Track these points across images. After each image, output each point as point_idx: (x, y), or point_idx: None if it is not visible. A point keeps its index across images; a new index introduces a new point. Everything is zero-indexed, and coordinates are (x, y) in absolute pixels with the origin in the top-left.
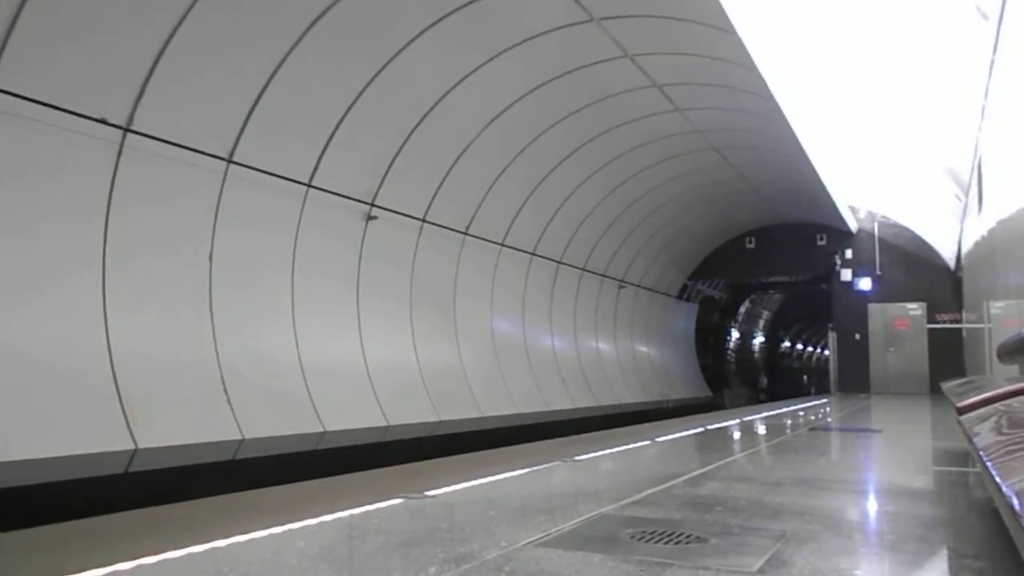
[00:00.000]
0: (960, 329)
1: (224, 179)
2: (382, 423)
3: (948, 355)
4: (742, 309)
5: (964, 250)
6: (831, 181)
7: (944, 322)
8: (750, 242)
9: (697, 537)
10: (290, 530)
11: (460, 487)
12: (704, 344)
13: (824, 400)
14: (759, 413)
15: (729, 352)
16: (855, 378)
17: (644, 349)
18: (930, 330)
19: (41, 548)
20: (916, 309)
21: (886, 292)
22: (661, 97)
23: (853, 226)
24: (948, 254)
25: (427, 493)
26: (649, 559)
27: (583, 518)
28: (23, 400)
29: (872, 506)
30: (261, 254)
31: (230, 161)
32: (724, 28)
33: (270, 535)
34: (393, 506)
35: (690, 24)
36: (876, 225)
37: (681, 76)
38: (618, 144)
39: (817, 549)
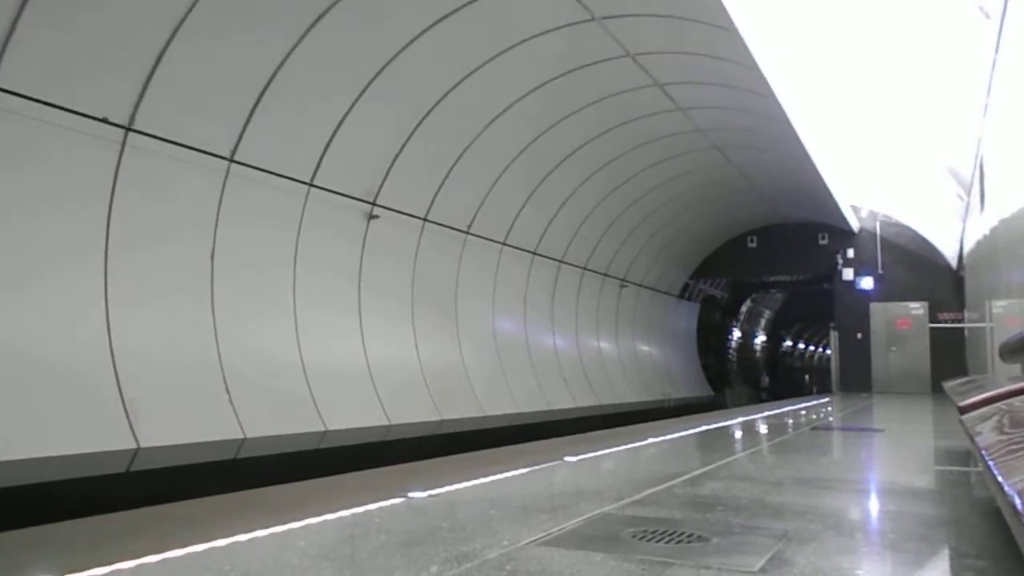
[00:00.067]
0: (962, 328)
1: (226, 178)
2: (384, 422)
3: (950, 354)
4: (744, 308)
5: (966, 249)
6: (833, 180)
7: (946, 321)
8: (752, 241)
9: (699, 536)
10: (291, 529)
11: (462, 486)
12: (706, 343)
13: (826, 399)
14: (760, 412)
15: (731, 351)
16: (857, 377)
17: (646, 348)
18: (932, 329)
19: (42, 548)
20: (918, 308)
21: (888, 291)
22: (663, 96)
23: (855, 225)
24: (950, 253)
25: (429, 492)
26: (651, 558)
27: (585, 517)
28: (24, 399)
29: (874, 505)
30: (263, 254)
31: (232, 160)
32: (726, 27)
33: (272, 534)
34: (394, 505)
35: (692, 23)
36: (878, 224)
37: (683, 75)
38: (620, 143)
39: (819, 548)
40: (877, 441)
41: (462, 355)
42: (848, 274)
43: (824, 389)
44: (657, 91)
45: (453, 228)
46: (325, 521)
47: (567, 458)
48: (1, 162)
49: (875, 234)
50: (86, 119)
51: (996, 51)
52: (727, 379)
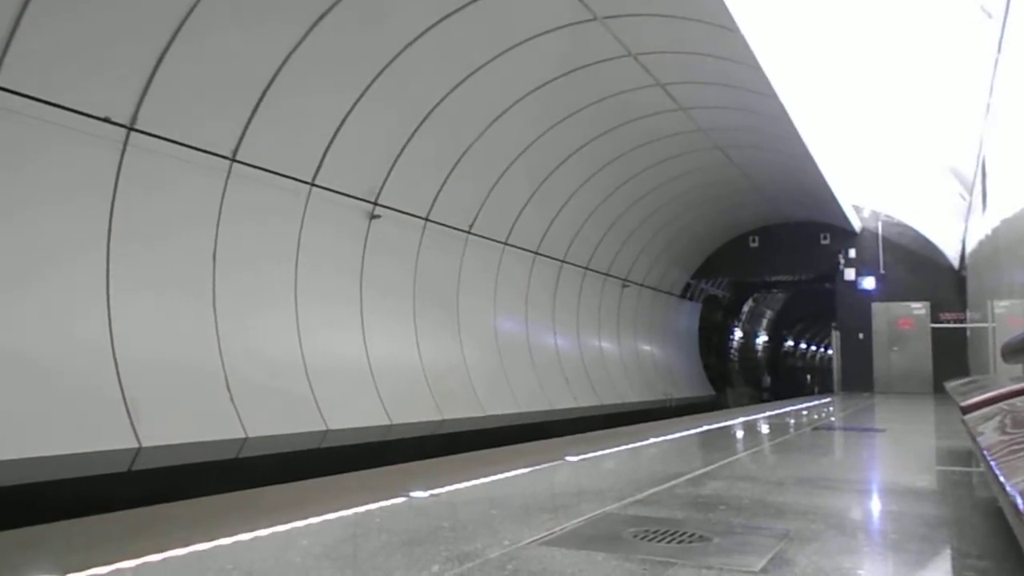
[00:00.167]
0: (964, 328)
1: (227, 178)
2: (385, 422)
3: (952, 354)
4: (745, 308)
5: (968, 249)
6: (835, 180)
7: (948, 321)
8: (753, 241)
9: (700, 536)
10: (294, 528)
11: (463, 486)
12: (707, 343)
13: (827, 399)
14: (762, 412)
15: (732, 351)
16: (859, 377)
17: (647, 348)
18: (934, 329)
19: (43, 547)
20: (920, 308)
21: (890, 291)
22: (664, 96)
23: (857, 225)
24: (952, 253)
25: (430, 492)
26: (652, 558)
27: (586, 517)
28: (25, 398)
29: (875, 505)
30: (264, 253)
31: (233, 160)
32: (728, 27)
33: (274, 533)
34: (396, 505)
35: (694, 23)
36: (880, 224)
37: (685, 75)
38: (621, 143)
39: (820, 548)
40: (879, 441)
41: (463, 355)
42: (850, 274)
43: (826, 389)
44: (659, 91)
45: (455, 228)
46: (327, 521)
47: (568, 458)
48: (3, 162)
49: (877, 234)
50: (88, 119)
51: (998, 51)
52: (729, 379)
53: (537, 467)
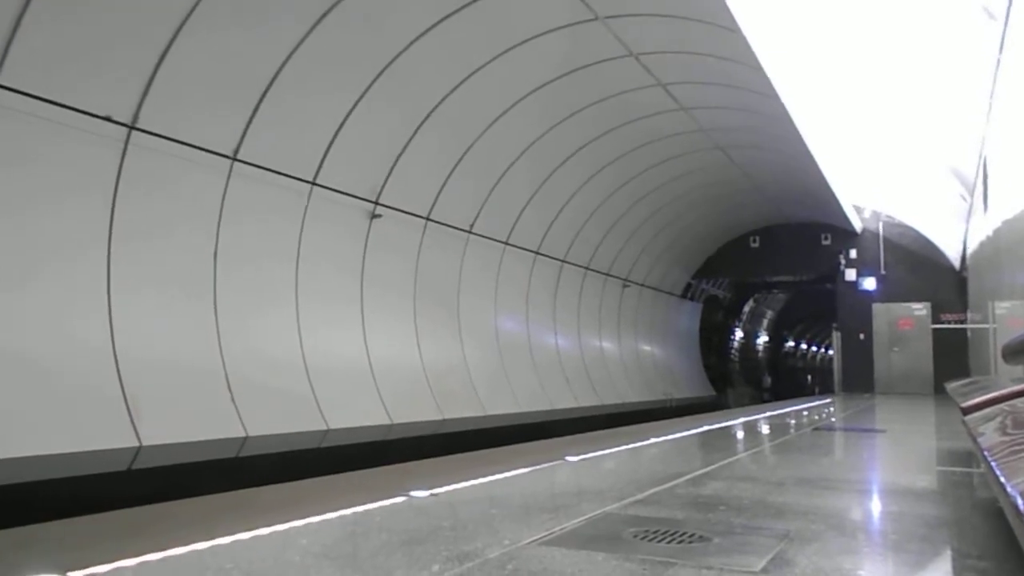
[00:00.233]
0: (965, 329)
1: (228, 177)
2: (385, 421)
3: (952, 355)
4: (746, 308)
5: (969, 250)
6: (836, 180)
7: (949, 322)
8: (754, 241)
9: (700, 536)
10: (293, 528)
11: (463, 485)
12: (708, 343)
13: (828, 400)
14: (763, 413)
15: (733, 351)
16: (859, 378)
17: (648, 348)
18: (934, 330)
19: (44, 545)
20: (920, 309)
21: (890, 292)
22: (666, 96)
23: (858, 226)
24: (953, 254)
25: (430, 491)
26: (652, 558)
27: (586, 517)
28: (25, 396)
29: (876, 506)
30: (265, 253)
31: (234, 159)
32: (729, 27)
33: (273, 532)
34: (396, 504)
35: (695, 23)
36: (881, 225)
37: (686, 75)
38: (622, 143)
39: (821, 549)
40: (879, 442)
41: (464, 354)
42: (851, 274)
43: (826, 390)
44: (660, 91)
45: (456, 227)
46: (326, 520)
47: (569, 458)
48: (4, 160)
49: (878, 234)
50: (89, 117)
51: (1000, 52)
52: (729, 379)
53: (537, 467)
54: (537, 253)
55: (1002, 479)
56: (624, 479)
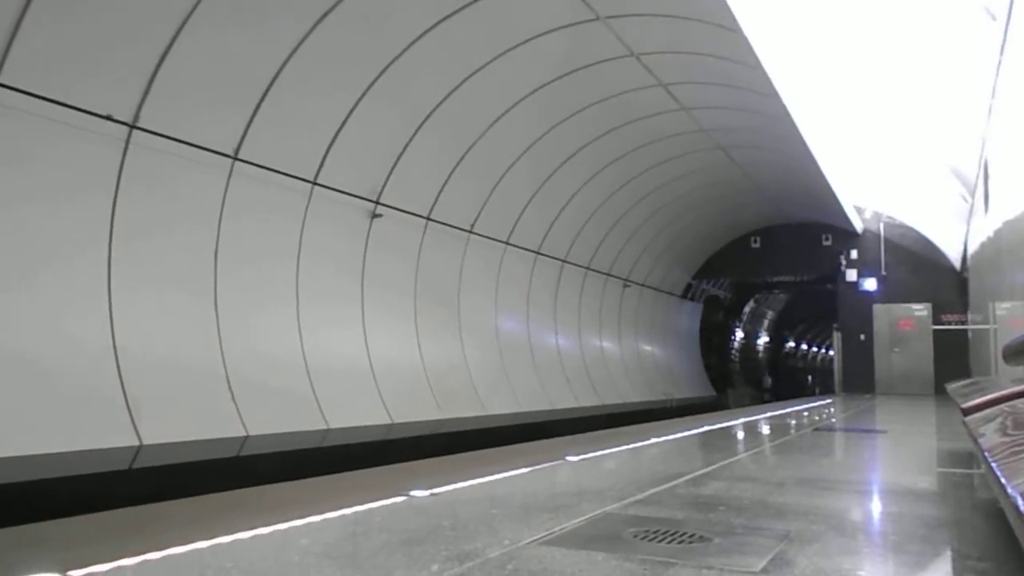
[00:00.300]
0: (965, 330)
1: (229, 176)
2: (386, 421)
3: (953, 356)
4: (746, 309)
5: (970, 251)
6: (837, 181)
7: (949, 323)
8: (755, 241)
9: (700, 536)
10: (293, 527)
11: (463, 485)
12: (708, 343)
13: (828, 400)
14: (763, 413)
15: (733, 352)
16: (860, 378)
17: (648, 348)
18: (935, 331)
19: (44, 544)
20: (921, 310)
21: (891, 292)
22: (667, 96)
23: (858, 226)
24: (954, 255)
25: (430, 491)
26: (652, 558)
27: (586, 517)
28: (26, 395)
29: (876, 507)
30: (266, 252)
31: (235, 158)
32: (730, 27)
33: (274, 532)
34: (396, 504)
35: (696, 23)
36: (882, 225)
37: (687, 75)
38: (623, 143)
39: (821, 549)
40: (880, 443)
41: (465, 354)
42: (851, 275)
43: (827, 390)
44: (661, 91)
45: (456, 227)
46: (327, 519)
47: (569, 458)
48: (5, 159)
49: (879, 235)
50: (90, 116)
51: (1001, 52)
52: (730, 379)
53: (537, 467)
54: (538, 253)
55: (1002, 480)
56: (624, 479)
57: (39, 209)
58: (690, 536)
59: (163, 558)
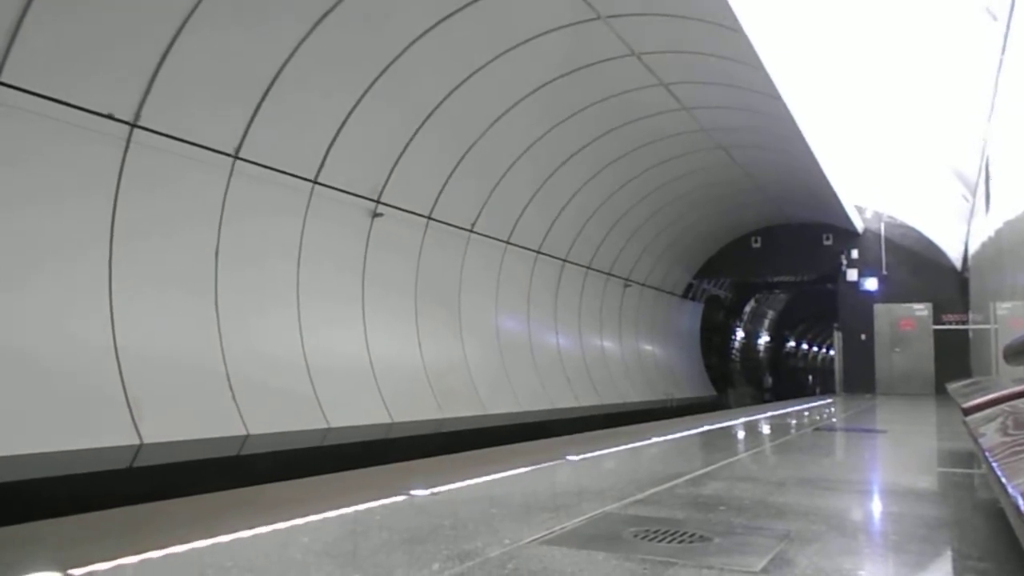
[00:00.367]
0: (966, 330)
1: (230, 175)
2: (386, 420)
3: (954, 356)
4: (747, 308)
5: (971, 251)
6: (838, 181)
7: (950, 323)
8: (756, 241)
9: (700, 536)
10: (294, 526)
11: (463, 484)
12: (709, 343)
13: (829, 400)
14: (763, 413)
15: (734, 351)
16: (860, 378)
17: (649, 348)
18: (936, 331)
19: (45, 543)
20: (922, 310)
21: (892, 292)
22: (668, 96)
23: (859, 226)
24: (955, 255)
25: (431, 490)
26: (652, 558)
27: (586, 516)
28: (27, 394)
29: (876, 507)
30: (267, 251)
31: (236, 157)
32: (731, 27)
33: (274, 530)
34: (397, 503)
35: (697, 23)
36: (882, 225)
37: (688, 75)
38: (624, 143)
39: (821, 549)
40: (880, 442)
41: (465, 353)
42: (852, 275)
43: (827, 390)
44: (662, 90)
45: (457, 226)
46: (327, 518)
47: (569, 457)
48: (6, 158)
49: (880, 235)
50: (91, 115)
51: (1002, 52)
52: (730, 379)
53: (538, 466)
54: (539, 252)
55: (1003, 480)
56: (625, 479)
57: (40, 208)
58: (690, 536)
59: (164, 557)
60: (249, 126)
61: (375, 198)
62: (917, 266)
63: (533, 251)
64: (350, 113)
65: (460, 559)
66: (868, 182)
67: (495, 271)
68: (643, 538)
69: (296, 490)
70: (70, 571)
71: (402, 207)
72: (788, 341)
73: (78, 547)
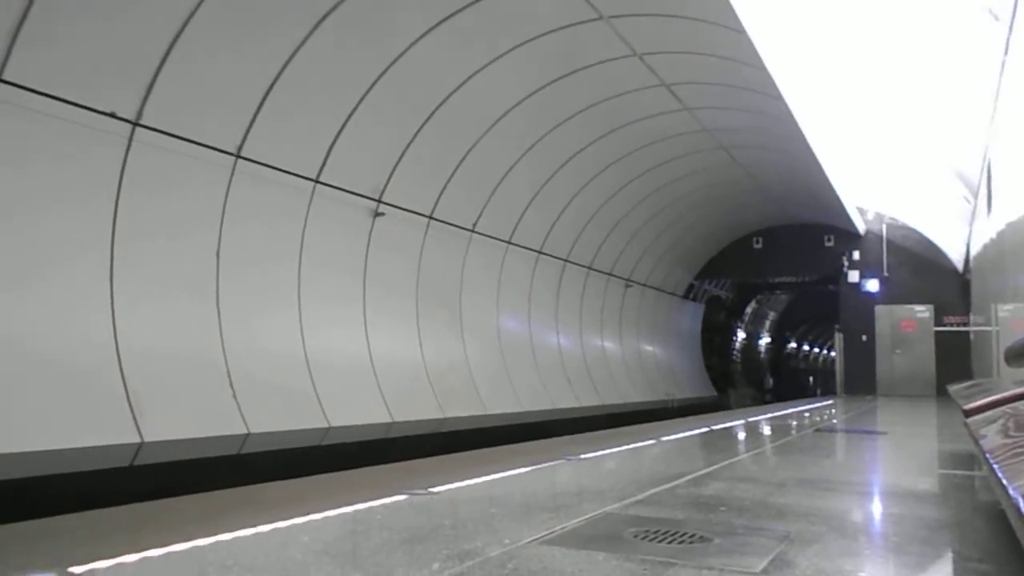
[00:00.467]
0: (967, 332)
1: (232, 175)
2: (387, 419)
3: (955, 358)
4: (748, 309)
5: (972, 252)
6: (839, 182)
7: (951, 324)
8: (757, 242)
9: (701, 537)
10: (294, 525)
11: (464, 484)
12: (710, 344)
13: (830, 401)
14: (764, 414)
15: (735, 352)
16: (861, 380)
17: (650, 348)
18: (937, 332)
19: (46, 540)
20: (923, 311)
21: (893, 294)
22: (669, 96)
23: (861, 227)
24: (956, 256)
25: (431, 490)
26: (653, 558)
27: (587, 516)
28: (29, 392)
29: (877, 508)
30: (268, 250)
31: (238, 156)
32: (733, 27)
33: (274, 529)
34: (397, 502)
35: (699, 23)
36: (884, 227)
37: (690, 75)
38: (626, 143)
39: (821, 550)
40: (881, 444)
41: (466, 353)
42: (854, 276)
43: (828, 391)
44: (664, 91)
45: (458, 226)
46: (327, 517)
47: (569, 457)
48: (7, 157)
49: (881, 236)
50: (93, 113)
51: (1005, 54)
52: (731, 380)
53: (538, 466)
54: (540, 253)
55: (1004, 481)
56: (625, 479)
57: (42, 207)
58: (690, 536)
59: (164, 555)
60: (251, 124)
61: (377, 197)
62: (918, 268)
63: (534, 251)
64: (352, 112)
65: (460, 559)
66: (870, 183)
67: (496, 271)
68: (643, 538)
69: (296, 489)
70: (71, 569)
71: (404, 207)
72: (789, 342)
73: (79, 545)
